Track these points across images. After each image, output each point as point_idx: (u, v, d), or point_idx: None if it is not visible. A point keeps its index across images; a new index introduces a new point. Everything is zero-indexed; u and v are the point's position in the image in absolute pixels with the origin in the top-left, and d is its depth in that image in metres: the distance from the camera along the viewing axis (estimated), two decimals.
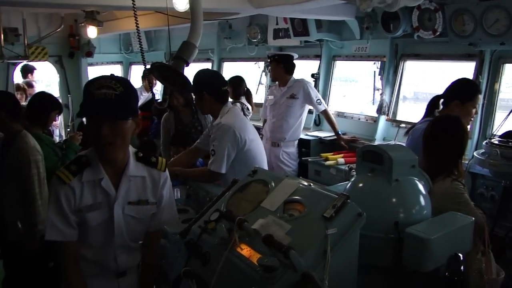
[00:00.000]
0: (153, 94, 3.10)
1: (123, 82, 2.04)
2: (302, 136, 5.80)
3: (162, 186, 2.28)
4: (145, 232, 2.36)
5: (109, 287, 2.34)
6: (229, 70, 7.95)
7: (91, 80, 2.05)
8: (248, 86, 6.35)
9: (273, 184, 2.06)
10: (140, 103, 6.78)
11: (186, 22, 4.87)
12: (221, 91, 3.56)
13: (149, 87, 7.34)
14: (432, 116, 3.43)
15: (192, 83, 3.33)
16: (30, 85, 7.86)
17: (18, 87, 6.77)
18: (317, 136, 5.94)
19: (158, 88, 8.44)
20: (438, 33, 4.54)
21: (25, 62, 7.75)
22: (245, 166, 3.29)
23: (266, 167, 3.67)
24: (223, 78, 3.85)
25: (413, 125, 3.65)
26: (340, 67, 6.46)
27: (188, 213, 3.24)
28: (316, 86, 6.22)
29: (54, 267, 3.71)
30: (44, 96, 4.36)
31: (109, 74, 2.18)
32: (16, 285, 3.79)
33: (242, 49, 7.41)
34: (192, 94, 4.02)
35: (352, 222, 1.74)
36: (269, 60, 5.75)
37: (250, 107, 6.16)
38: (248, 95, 6.26)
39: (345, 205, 1.74)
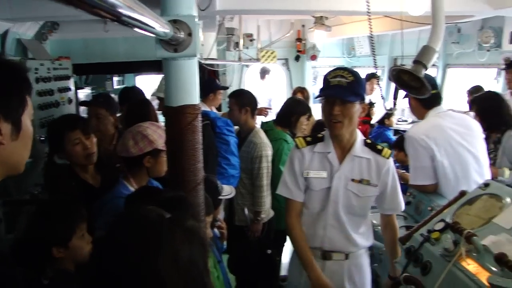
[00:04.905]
0: (383, 99, 3.08)
1: (354, 73, 2.35)
2: None
3: (385, 172, 2.47)
4: (361, 221, 2.56)
5: None
6: (454, 76, 7.49)
7: (330, 71, 2.41)
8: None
9: (508, 200, 1.92)
10: None
11: (414, 26, 4.80)
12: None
13: (370, 91, 7.41)
14: None
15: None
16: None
17: (295, 91, 7.19)
18: None
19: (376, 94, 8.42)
20: None
21: (255, 64, 8.46)
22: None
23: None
24: (434, 81, 3.55)
25: None
26: None
27: (407, 220, 3.21)
28: None
29: (271, 255, 4.02)
30: (294, 101, 4.58)
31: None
32: (239, 266, 4.16)
33: (471, 54, 6.91)
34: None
35: None
36: (505, 65, 5.24)
37: None
38: None
39: None
